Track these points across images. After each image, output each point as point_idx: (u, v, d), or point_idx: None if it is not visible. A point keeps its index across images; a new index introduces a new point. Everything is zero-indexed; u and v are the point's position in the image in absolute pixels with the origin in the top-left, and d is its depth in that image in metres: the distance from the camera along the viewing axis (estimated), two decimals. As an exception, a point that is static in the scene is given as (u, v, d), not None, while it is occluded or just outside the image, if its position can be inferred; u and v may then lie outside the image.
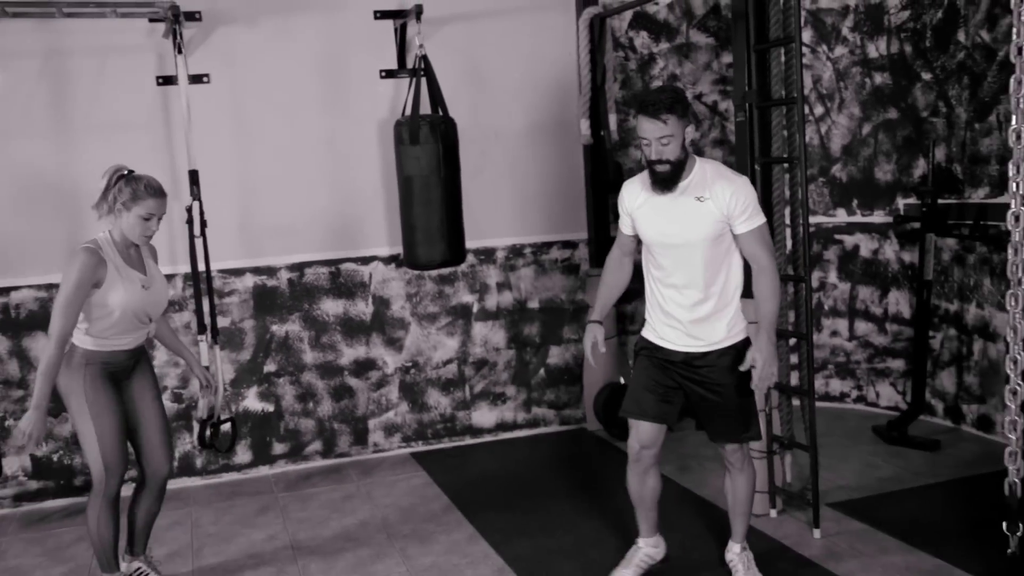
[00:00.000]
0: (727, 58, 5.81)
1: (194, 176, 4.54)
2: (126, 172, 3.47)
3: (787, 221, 4.25)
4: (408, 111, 4.72)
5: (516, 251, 5.57)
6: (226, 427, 4.72)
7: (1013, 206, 2.90)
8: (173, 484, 4.96)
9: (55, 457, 4.90)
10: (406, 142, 4.69)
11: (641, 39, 5.74)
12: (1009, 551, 3.05)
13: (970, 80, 5.05)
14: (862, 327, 5.75)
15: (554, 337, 5.67)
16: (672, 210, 3.25)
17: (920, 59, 5.31)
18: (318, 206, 5.17)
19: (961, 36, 5.07)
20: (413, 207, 4.76)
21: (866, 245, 5.68)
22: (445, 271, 5.39)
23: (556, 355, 5.70)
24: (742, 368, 3.22)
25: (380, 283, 5.33)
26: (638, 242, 3.46)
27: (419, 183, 4.71)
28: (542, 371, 5.68)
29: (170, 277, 4.93)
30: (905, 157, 5.44)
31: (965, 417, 5.25)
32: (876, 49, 5.51)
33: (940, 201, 5.08)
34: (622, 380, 5.48)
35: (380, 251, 5.31)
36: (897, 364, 5.61)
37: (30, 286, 4.81)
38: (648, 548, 3.61)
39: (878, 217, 5.59)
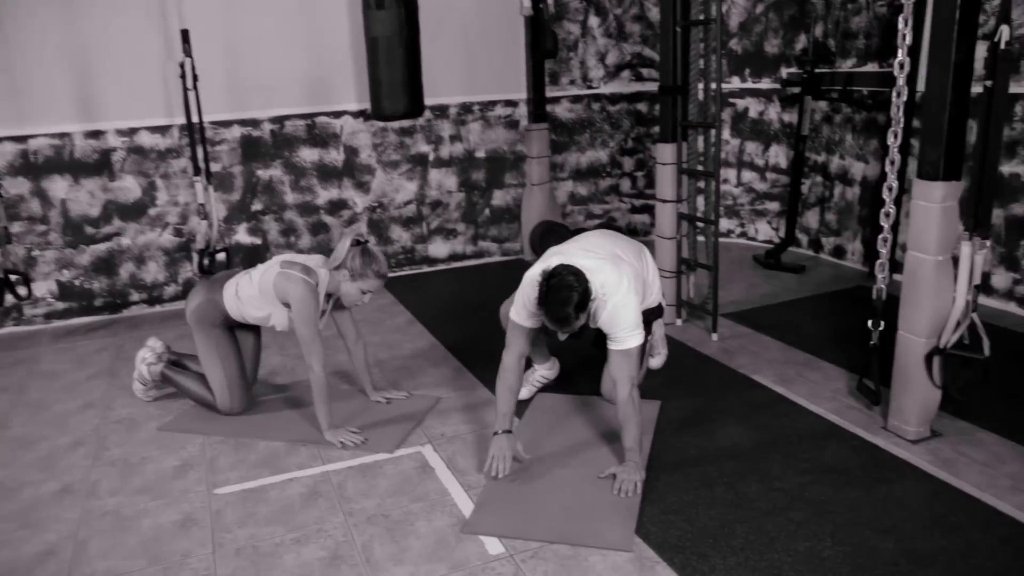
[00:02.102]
0: (645, -58, 5.55)
1: (185, 35, 4.24)
2: (363, 241, 3.15)
3: (700, 84, 4.16)
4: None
5: (466, 108, 5.38)
6: (221, 256, 4.59)
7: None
8: (177, 306, 4.87)
9: (77, 282, 4.71)
10: (373, 6, 4.37)
11: (573, -77, 5.44)
12: (872, 343, 3.14)
13: (846, -35, 4.92)
14: (747, 175, 5.77)
15: (497, 182, 5.57)
16: None
17: (806, -54, 5.14)
18: (295, 66, 4.89)
19: (841, -74, 4.91)
20: (379, 65, 4.50)
21: (754, 107, 5.63)
22: (406, 124, 5.20)
23: (499, 197, 5.61)
24: (600, 476, 2.77)
25: (350, 134, 5.12)
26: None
27: (384, 44, 4.44)
28: (487, 211, 5.61)
29: (166, 128, 4.67)
30: (790, 33, 5.33)
31: (824, 247, 5.37)
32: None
33: (816, 70, 5.03)
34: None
35: (349, 106, 5.08)
36: (773, 206, 5.67)
37: (45, 135, 4.49)
38: (543, 370, 3.52)
39: (765, 84, 5.53)
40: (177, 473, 3.00)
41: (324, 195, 5.13)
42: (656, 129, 5.87)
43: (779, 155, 5.54)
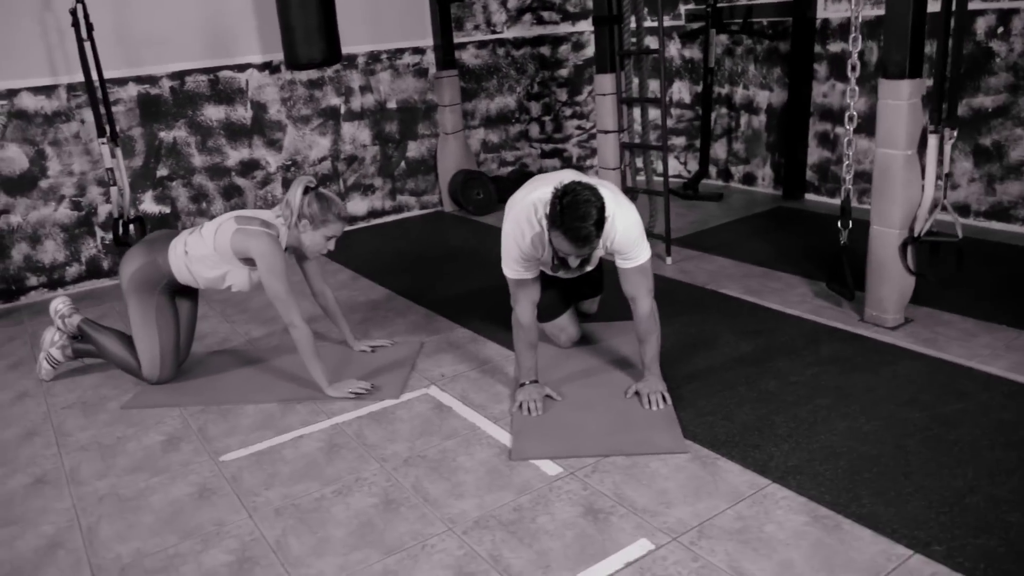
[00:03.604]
0: None
1: (75, -23, 3.75)
2: (313, 185, 2.84)
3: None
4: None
5: (374, 57, 5.13)
6: (135, 226, 4.18)
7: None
8: (85, 286, 4.41)
9: (-42, 270, 4.13)
10: (281, -55, 4.09)
11: None
12: (842, 242, 3.29)
13: (739, -101, 5.08)
14: (652, 112, 5.87)
15: (411, 133, 5.37)
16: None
17: None
18: (190, 14, 4.46)
19: None
20: (291, 8, 4.21)
21: (655, 45, 5.71)
22: (314, 76, 4.90)
23: (413, 149, 5.42)
24: (626, 396, 2.74)
25: (256, 89, 4.76)
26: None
27: (296, -15, 4.17)
28: (403, 164, 5.40)
29: (51, 88, 4.15)
30: (685, -31, 5.46)
31: (733, 176, 5.60)
32: None
33: (718, 4, 5.18)
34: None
35: (254, 59, 4.71)
36: (679, 140, 5.83)
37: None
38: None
39: (666, 21, 5.63)
40: (167, 447, 2.70)
41: (234, 156, 4.75)
42: (561, 72, 5.88)
43: (682, 91, 5.69)
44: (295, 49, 4.29)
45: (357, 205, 5.26)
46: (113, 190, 3.96)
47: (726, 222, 4.81)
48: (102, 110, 3.93)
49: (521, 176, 5.74)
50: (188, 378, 3.19)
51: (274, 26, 4.42)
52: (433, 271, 4.34)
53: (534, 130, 5.92)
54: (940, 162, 2.98)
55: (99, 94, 3.90)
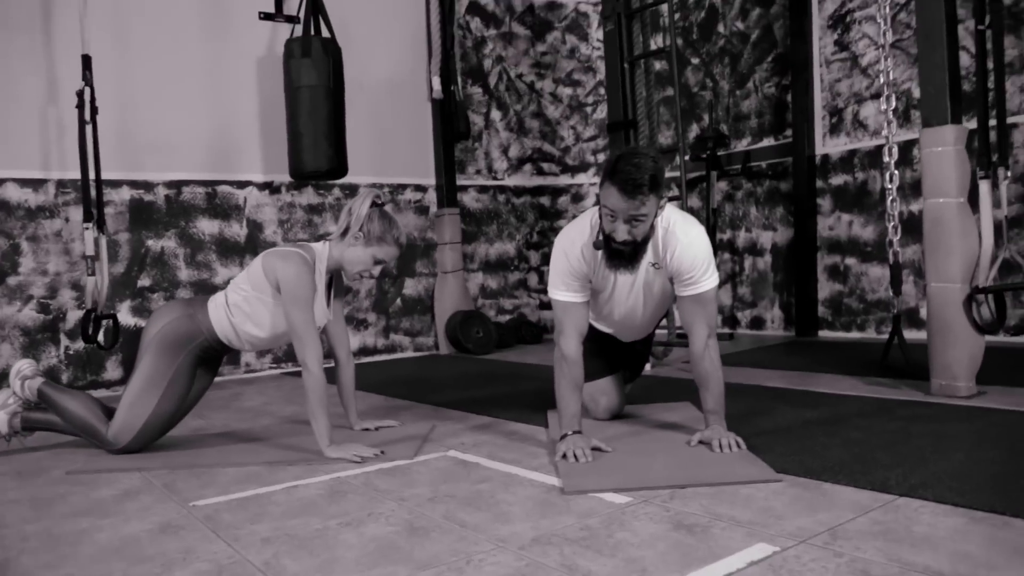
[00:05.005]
0: (541, 47, 5.76)
1: (87, 61, 3.63)
2: (381, 203, 2.62)
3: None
4: (301, 23, 4.22)
5: (376, 189, 5.00)
6: (108, 323, 3.76)
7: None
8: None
9: None
10: (297, 56, 4.11)
11: (475, 23, 5.53)
12: (895, 311, 3.00)
13: (730, 59, 5.33)
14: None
15: (409, 270, 5.13)
16: (627, 280, 2.41)
17: (689, 48, 5.54)
18: (197, 127, 4.34)
19: (720, 28, 5.37)
20: (300, 116, 4.16)
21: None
22: (315, 201, 4.73)
23: (411, 286, 5.14)
24: (690, 445, 2.30)
25: (254, 207, 4.55)
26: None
27: (307, 93, 4.14)
28: (399, 300, 5.10)
29: (40, 182, 3.91)
30: (682, 124, 5.58)
31: (740, 322, 5.36)
32: (655, 43, 5.67)
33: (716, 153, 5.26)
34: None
35: (255, 177, 4.55)
36: (681, 290, 5.65)
37: None
38: None
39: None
40: (122, 499, 2.13)
41: (223, 273, 4.42)
42: (560, 223, 5.82)
43: (681, 240, 5.60)
44: (301, 156, 4.18)
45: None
46: (89, 280, 3.58)
47: (743, 350, 4.50)
48: (93, 196, 3.64)
49: (520, 324, 5.46)
50: (152, 449, 2.64)
51: (279, 147, 4.36)
52: (436, 385, 3.89)
53: (533, 279, 5.73)
54: (997, 207, 2.78)
55: (92, 179, 3.63)
